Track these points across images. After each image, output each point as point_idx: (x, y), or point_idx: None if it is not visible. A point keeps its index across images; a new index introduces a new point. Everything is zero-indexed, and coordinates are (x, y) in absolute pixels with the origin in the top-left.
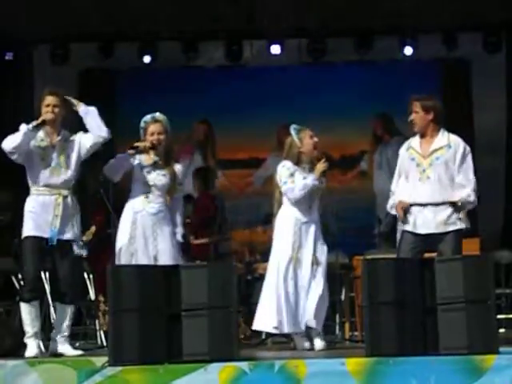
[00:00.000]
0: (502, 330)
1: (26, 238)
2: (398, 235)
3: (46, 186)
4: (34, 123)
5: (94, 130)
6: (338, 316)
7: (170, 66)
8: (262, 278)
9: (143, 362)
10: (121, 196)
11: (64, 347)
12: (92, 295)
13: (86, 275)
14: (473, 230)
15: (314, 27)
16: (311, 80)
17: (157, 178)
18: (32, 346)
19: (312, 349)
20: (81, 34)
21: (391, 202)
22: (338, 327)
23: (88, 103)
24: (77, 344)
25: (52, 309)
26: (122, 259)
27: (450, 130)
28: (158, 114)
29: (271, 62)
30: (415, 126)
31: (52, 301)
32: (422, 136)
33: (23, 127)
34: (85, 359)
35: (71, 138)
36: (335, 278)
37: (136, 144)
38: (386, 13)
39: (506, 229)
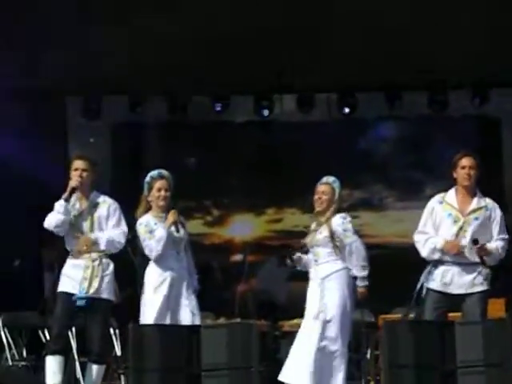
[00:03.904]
0: None
1: (60, 293)
2: (423, 291)
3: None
4: (66, 195)
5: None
6: (362, 374)
7: (200, 121)
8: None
9: None
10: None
11: None
12: (118, 351)
13: (112, 330)
14: (498, 291)
15: (345, 82)
16: (342, 135)
17: (181, 233)
18: None
19: None
20: (112, 87)
21: (431, 247)
22: None
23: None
24: None
25: (77, 365)
26: (159, 318)
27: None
28: (163, 171)
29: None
30: (467, 181)
31: (80, 358)
32: (460, 193)
33: (58, 204)
34: None
35: (100, 201)
36: (360, 336)
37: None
38: (416, 67)
39: None
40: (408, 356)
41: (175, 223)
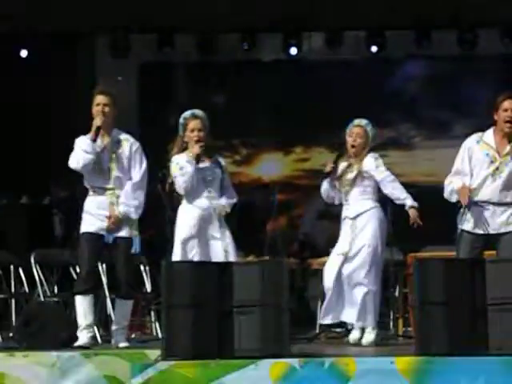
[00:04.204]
0: None
1: (83, 234)
2: (458, 231)
3: (100, 187)
4: (92, 135)
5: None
6: (391, 312)
7: (228, 60)
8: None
9: (195, 357)
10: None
11: (118, 339)
12: (148, 287)
13: (142, 267)
14: None
15: (374, 20)
16: (371, 74)
17: (211, 171)
18: (83, 338)
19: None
20: (140, 25)
21: (449, 188)
22: (391, 323)
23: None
24: (132, 335)
25: (108, 301)
26: (189, 255)
27: None
28: (197, 111)
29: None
30: (509, 124)
31: (110, 294)
32: (498, 134)
33: (83, 142)
34: (139, 352)
35: (122, 138)
36: (389, 274)
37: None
38: (446, 5)
39: None
40: (438, 293)
41: (197, 157)
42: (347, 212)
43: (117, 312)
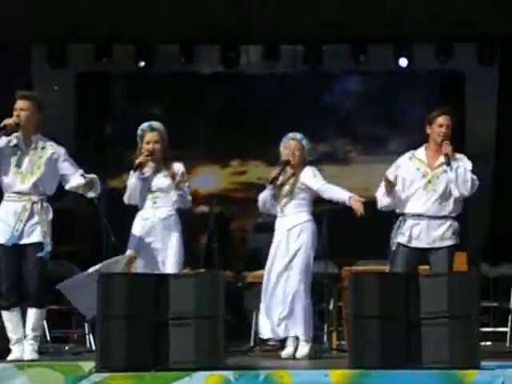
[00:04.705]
0: (488, 343)
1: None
2: (392, 246)
3: (17, 192)
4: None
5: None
6: (326, 325)
7: (165, 71)
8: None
9: (130, 369)
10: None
11: (27, 350)
12: None
13: None
14: (460, 243)
15: (311, 34)
16: (308, 88)
17: (159, 182)
18: (15, 352)
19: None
20: (78, 35)
21: (379, 193)
22: (325, 336)
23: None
24: (66, 347)
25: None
26: (137, 267)
27: None
28: (154, 123)
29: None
30: (442, 138)
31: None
32: (430, 150)
33: None
34: (73, 364)
35: (46, 145)
36: (323, 288)
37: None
38: (383, 21)
39: (491, 242)
40: (373, 307)
41: (140, 166)
42: (282, 223)
43: (27, 322)
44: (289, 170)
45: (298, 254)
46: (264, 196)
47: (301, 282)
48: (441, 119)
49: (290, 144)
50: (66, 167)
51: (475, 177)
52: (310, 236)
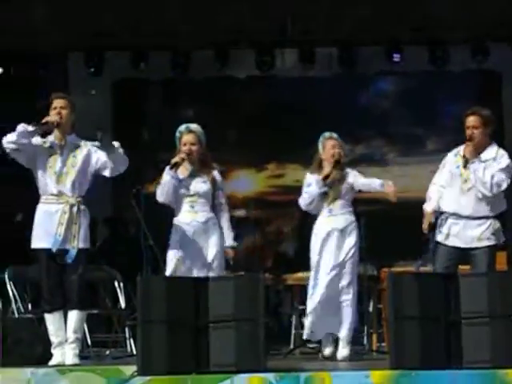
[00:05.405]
0: None
1: (36, 249)
2: (431, 245)
3: (53, 194)
4: (34, 125)
5: (118, 163)
6: (365, 327)
7: (201, 77)
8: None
9: (171, 373)
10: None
11: (68, 354)
12: (122, 303)
13: (116, 284)
14: (503, 242)
15: (345, 37)
16: (343, 90)
17: (197, 186)
18: (57, 356)
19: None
20: (114, 43)
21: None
22: (365, 338)
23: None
24: (107, 352)
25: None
26: (178, 272)
27: None
28: (192, 125)
29: (302, 71)
30: (469, 140)
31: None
32: (474, 146)
33: (21, 126)
34: (114, 368)
35: (80, 144)
36: (363, 290)
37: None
38: (418, 22)
39: None
40: (413, 307)
41: (175, 165)
42: (330, 223)
43: (68, 325)
44: (338, 169)
45: (350, 254)
46: (312, 193)
47: (351, 283)
48: (466, 120)
49: (332, 142)
50: (101, 156)
51: (504, 176)
52: (358, 237)
